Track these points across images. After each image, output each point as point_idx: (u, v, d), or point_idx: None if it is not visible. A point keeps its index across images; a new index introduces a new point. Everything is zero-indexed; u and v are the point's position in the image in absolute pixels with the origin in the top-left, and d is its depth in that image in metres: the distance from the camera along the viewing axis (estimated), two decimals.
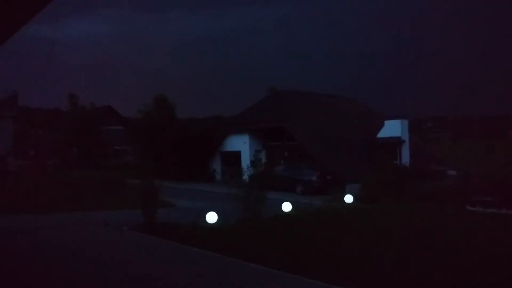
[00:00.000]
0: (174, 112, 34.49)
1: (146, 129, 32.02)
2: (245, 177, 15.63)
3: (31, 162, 34.63)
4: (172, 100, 34.56)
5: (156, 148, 30.77)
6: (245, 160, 27.99)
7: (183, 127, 32.14)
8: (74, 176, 28.37)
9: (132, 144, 37.70)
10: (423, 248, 9.29)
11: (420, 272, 7.55)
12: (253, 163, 25.67)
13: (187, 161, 29.79)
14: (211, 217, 12.43)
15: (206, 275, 7.77)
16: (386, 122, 26.82)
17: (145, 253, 9.63)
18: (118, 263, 8.64)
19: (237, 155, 29.62)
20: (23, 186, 21.70)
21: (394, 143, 25.93)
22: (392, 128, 26.29)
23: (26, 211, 14.42)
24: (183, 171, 29.64)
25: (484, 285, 6.97)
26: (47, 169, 32.70)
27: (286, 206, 15.00)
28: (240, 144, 29.69)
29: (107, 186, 20.01)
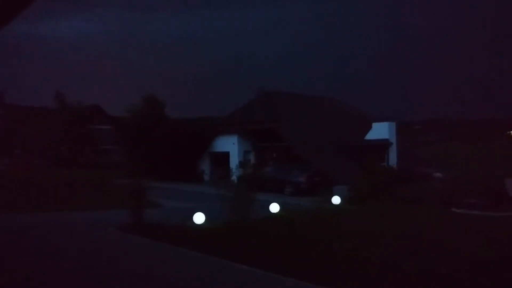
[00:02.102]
0: (163, 112, 34.29)
1: (134, 129, 31.79)
2: (234, 178, 15.62)
3: (16, 161, 34.13)
4: (162, 100, 34.40)
5: (145, 148, 30.57)
6: (234, 161, 27.92)
7: (172, 127, 31.98)
8: (61, 175, 28.06)
9: (120, 143, 37.41)
10: (407, 249, 9.39)
11: (403, 272, 7.63)
12: (242, 164, 25.63)
13: (176, 161, 29.66)
14: (199, 218, 12.41)
15: (192, 275, 7.76)
16: (374, 124, 27.03)
17: (131, 253, 9.58)
18: (104, 263, 8.58)
19: (226, 155, 29.57)
20: (8, 184, 21.39)
21: (382, 145, 26.15)
22: (380, 130, 26.52)
23: (10, 210, 14.23)
24: (172, 171, 29.50)
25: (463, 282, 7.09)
26: (33, 168, 32.25)
27: (274, 207, 15.04)
28: (229, 144, 29.65)
29: (95, 185, 19.85)
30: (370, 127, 27.24)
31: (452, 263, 8.29)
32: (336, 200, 17.70)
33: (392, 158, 26.11)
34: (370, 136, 26.98)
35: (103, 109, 52.89)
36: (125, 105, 34.42)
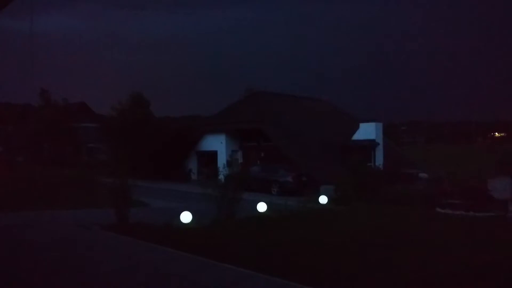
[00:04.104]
0: (150, 110, 34.05)
1: (121, 127, 31.48)
2: (221, 177, 15.59)
3: None
4: (148, 98, 34.17)
5: (131, 146, 30.29)
6: (222, 160, 27.89)
7: (159, 125, 31.78)
8: (45, 173, 27.61)
9: (106, 142, 36.99)
10: (391, 249, 9.48)
11: (389, 271, 7.71)
12: (229, 163, 25.61)
13: (162, 160, 29.46)
14: (186, 217, 12.33)
15: (178, 275, 7.71)
16: (361, 125, 27.27)
17: (116, 253, 9.47)
18: (87, 263, 8.46)
19: (213, 155, 29.52)
20: None
21: (369, 145, 26.37)
22: (366, 131, 26.75)
23: None
24: (159, 170, 29.31)
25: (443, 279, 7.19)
26: (15, 165, 31.66)
27: (261, 207, 15.04)
28: (217, 144, 29.60)
29: (79, 184, 19.57)
30: (357, 128, 27.47)
31: (431, 263, 8.39)
32: (323, 200, 17.78)
33: (379, 158, 26.36)
34: (357, 136, 27.20)
35: (89, 107, 52.28)
36: (111, 103, 34.10)
